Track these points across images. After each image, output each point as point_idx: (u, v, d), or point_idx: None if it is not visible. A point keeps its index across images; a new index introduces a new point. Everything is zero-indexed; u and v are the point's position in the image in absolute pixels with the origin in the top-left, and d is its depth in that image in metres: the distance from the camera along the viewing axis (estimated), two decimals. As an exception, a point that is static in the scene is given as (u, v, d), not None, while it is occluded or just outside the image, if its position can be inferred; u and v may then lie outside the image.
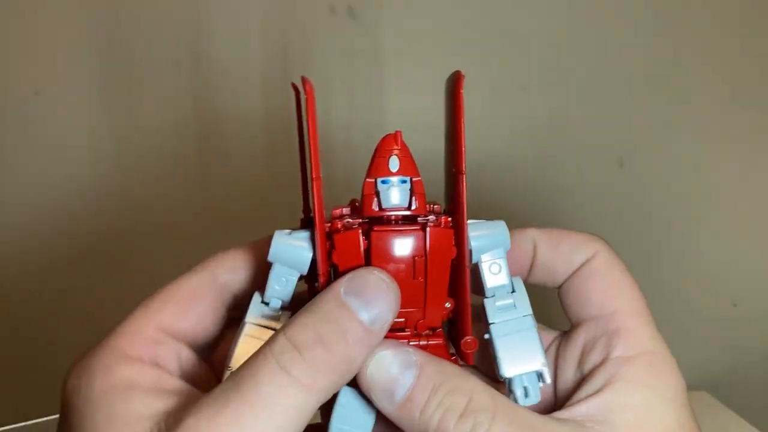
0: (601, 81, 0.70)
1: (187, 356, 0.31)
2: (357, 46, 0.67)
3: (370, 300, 0.27)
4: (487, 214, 0.32)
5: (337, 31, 0.66)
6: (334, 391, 0.27)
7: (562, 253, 0.32)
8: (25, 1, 0.63)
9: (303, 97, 0.28)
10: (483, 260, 0.30)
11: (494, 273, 0.30)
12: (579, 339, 0.31)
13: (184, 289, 0.31)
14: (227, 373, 0.29)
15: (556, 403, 0.32)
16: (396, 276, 0.28)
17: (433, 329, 0.30)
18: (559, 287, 0.32)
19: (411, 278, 0.28)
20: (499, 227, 0.30)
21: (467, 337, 0.29)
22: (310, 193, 0.28)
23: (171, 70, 0.65)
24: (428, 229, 0.28)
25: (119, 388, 0.27)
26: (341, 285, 0.27)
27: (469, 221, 0.29)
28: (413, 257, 0.28)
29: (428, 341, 0.29)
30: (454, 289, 0.30)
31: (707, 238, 0.74)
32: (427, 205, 0.30)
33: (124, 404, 0.27)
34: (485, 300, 0.30)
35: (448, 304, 0.30)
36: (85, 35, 0.64)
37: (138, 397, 0.27)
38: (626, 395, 0.28)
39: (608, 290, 0.31)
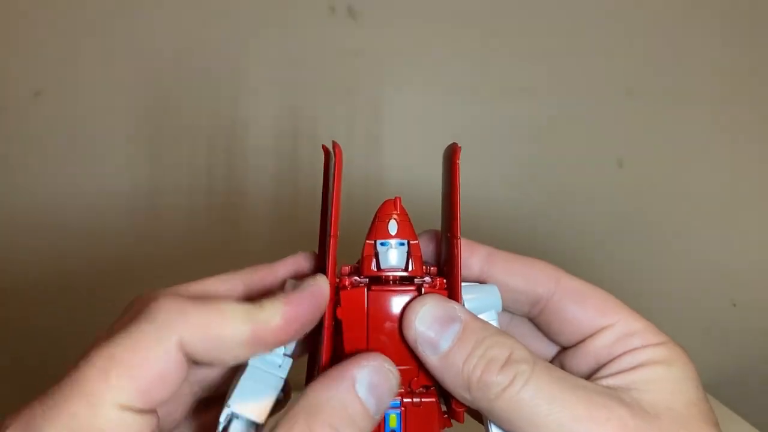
0: (601, 81, 0.70)
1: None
2: (357, 46, 0.67)
3: (383, 397, 0.27)
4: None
5: (337, 31, 0.66)
6: None
7: (521, 282, 0.32)
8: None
9: (332, 161, 0.30)
10: None
11: None
12: (589, 349, 0.32)
13: (151, 363, 0.26)
14: (226, 410, 0.28)
15: None
16: (391, 334, 0.29)
17: (427, 387, 0.30)
18: (534, 316, 0.33)
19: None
20: (492, 290, 0.32)
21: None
22: (327, 247, 0.30)
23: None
24: (423, 289, 0.30)
25: None
26: (356, 378, 0.27)
27: (462, 284, 0.30)
28: None
29: (421, 399, 0.30)
30: None
31: (707, 238, 0.74)
32: (424, 267, 0.31)
33: None
34: None
35: None
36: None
37: None
38: (655, 371, 0.29)
39: (601, 305, 0.32)
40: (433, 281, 0.30)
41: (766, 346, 0.76)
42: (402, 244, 0.31)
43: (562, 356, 0.33)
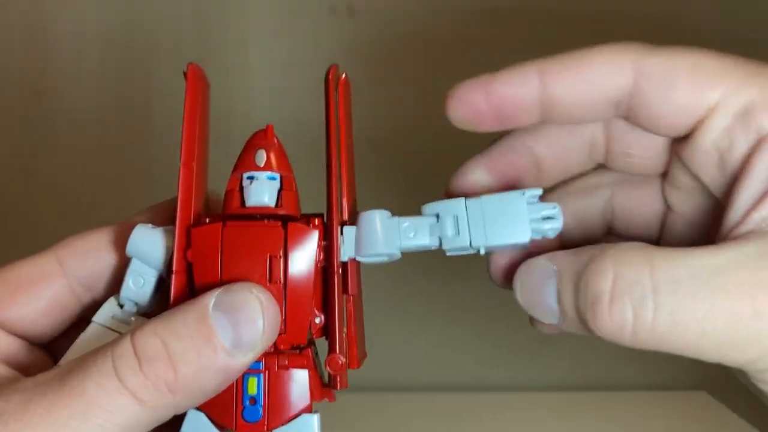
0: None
1: (13, 346, 0.26)
2: (357, 46, 0.66)
3: (241, 321, 0.22)
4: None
5: (337, 31, 0.66)
6: (177, 413, 0.23)
7: (588, 90, 0.25)
8: None
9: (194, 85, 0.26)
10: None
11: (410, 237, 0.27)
12: (704, 144, 0.24)
13: (16, 273, 0.26)
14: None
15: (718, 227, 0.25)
16: (250, 279, 0.24)
17: (299, 348, 0.25)
18: (626, 118, 0.26)
19: (267, 282, 0.24)
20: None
21: (332, 355, 0.25)
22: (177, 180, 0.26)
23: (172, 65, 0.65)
24: (288, 224, 0.25)
25: None
26: (212, 297, 0.23)
27: (346, 227, 0.26)
28: (269, 257, 0.25)
29: (288, 362, 0.25)
30: (326, 302, 0.26)
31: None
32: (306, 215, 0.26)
33: None
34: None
35: (318, 319, 0.26)
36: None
37: None
38: None
39: (691, 78, 0.23)
40: (307, 219, 0.26)
41: (765, 346, 0.76)
42: (272, 178, 0.25)
43: (679, 149, 0.25)
